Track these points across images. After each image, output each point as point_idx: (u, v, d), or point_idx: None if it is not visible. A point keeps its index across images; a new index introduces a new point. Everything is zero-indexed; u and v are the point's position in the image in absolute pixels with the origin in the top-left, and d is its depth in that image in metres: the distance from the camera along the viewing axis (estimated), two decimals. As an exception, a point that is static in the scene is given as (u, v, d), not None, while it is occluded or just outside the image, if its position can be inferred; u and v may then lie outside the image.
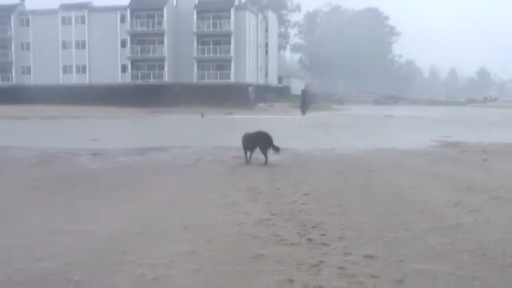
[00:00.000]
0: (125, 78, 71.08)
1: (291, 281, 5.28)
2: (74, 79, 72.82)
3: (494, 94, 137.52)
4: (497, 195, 9.83)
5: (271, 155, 14.60)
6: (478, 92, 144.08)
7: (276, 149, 14.47)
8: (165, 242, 6.69)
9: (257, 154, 14.82)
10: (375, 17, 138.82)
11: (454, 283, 5.24)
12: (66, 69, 73.22)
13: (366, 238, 6.88)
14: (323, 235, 7.02)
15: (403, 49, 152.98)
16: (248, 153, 14.68)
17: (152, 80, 70.49)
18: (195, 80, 70.45)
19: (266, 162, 14.29)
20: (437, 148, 19.47)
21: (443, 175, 12.54)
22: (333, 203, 9.14)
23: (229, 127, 32.76)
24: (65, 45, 73.07)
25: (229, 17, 70.90)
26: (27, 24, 74.73)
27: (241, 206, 8.90)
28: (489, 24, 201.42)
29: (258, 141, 14.53)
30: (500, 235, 7.03)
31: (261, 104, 71.57)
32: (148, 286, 5.16)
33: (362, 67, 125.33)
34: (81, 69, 73.01)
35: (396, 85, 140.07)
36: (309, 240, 6.79)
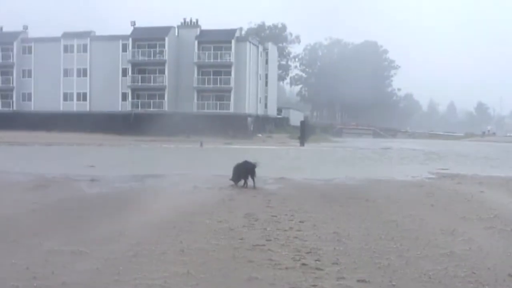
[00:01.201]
0: (125, 107, 71.43)
1: (284, 302, 5.34)
2: (75, 106, 73.15)
3: (492, 129, 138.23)
4: (491, 225, 9.92)
5: (270, 185, 14.75)
6: (476, 126, 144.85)
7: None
8: (161, 264, 6.74)
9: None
10: (374, 50, 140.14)
11: (445, 307, 5.30)
12: (67, 97, 73.61)
13: (360, 264, 6.94)
14: (317, 260, 7.08)
15: (402, 82, 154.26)
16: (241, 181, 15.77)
17: (152, 109, 70.79)
18: (195, 109, 70.77)
19: (254, 186, 15.53)
20: (434, 180, 19.54)
21: (439, 205, 12.62)
22: (329, 230, 9.20)
23: (227, 157, 32.84)
24: (66, 73, 73.57)
25: (230, 48, 71.58)
26: (30, 52, 75.34)
27: (237, 232, 8.96)
28: (487, 58, 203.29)
29: (248, 169, 15.80)
30: (492, 263, 7.09)
31: (260, 134, 71.80)
32: (142, 305, 5.20)
33: (361, 99, 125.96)
34: (82, 97, 73.41)
35: (395, 118, 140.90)
36: (304, 264, 6.85)
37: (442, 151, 47.23)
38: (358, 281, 6.11)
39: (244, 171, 15.81)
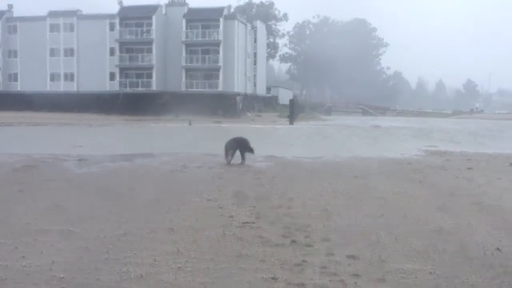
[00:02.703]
0: (113, 86, 70.88)
1: (274, 278, 5.35)
2: (62, 86, 72.51)
3: (480, 106, 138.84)
4: (479, 200, 10.00)
5: (259, 163, 14.74)
6: (465, 104, 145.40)
7: (252, 151, 16.10)
8: (150, 243, 6.73)
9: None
10: (363, 28, 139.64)
11: (434, 281, 5.34)
12: (54, 77, 72.91)
13: (349, 240, 6.96)
14: (307, 237, 7.09)
15: (391, 61, 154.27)
16: (230, 156, 15.75)
17: (140, 88, 70.32)
18: (183, 88, 70.42)
19: (243, 163, 15.74)
20: (423, 157, 19.63)
21: (428, 182, 12.68)
22: (318, 207, 9.22)
23: (216, 136, 32.80)
24: (53, 53, 72.78)
25: (218, 26, 71.04)
26: (15, 31, 74.36)
27: (227, 210, 8.96)
28: (476, 36, 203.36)
29: (240, 145, 16.08)
30: (480, 237, 7.15)
31: (249, 113, 71.71)
32: (132, 283, 5.19)
33: (351, 78, 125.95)
34: (69, 77, 72.76)
35: (384, 96, 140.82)
36: (293, 241, 6.86)
37: (430, 129, 47.44)
38: (348, 257, 6.14)
39: (237, 146, 15.99)
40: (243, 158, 15.86)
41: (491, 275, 5.55)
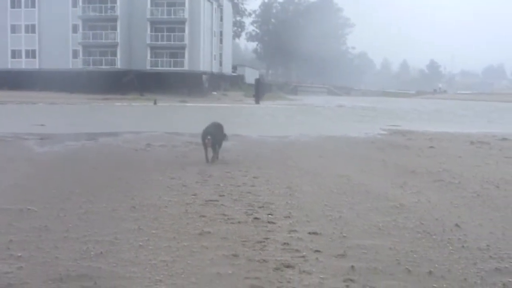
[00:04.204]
0: (76, 64, 69.46)
1: (235, 255, 5.35)
2: (24, 64, 70.76)
3: (443, 87, 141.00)
4: (440, 178, 10.18)
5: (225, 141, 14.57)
6: (428, 84, 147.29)
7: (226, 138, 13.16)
8: (111, 221, 6.65)
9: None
10: (329, 8, 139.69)
11: (393, 256, 5.41)
12: (15, 54, 71.00)
13: (311, 217, 7.01)
14: (270, 214, 7.11)
15: (357, 41, 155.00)
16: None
17: (104, 67, 69.16)
18: (148, 67, 69.53)
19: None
20: (386, 136, 19.86)
21: (390, 160, 12.83)
22: (282, 185, 9.25)
23: (182, 115, 32.59)
24: (14, 29, 70.76)
25: (183, 4, 70.06)
26: (-27, 7, 72.19)
27: (190, 188, 8.92)
28: (440, 17, 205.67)
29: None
30: (440, 214, 7.28)
31: (215, 92, 71.33)
32: (91, 261, 5.12)
33: (316, 57, 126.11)
34: (31, 54, 70.96)
35: (349, 76, 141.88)
36: (256, 218, 6.87)
37: (393, 109, 48.01)
38: (310, 233, 6.17)
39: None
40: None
41: (449, 251, 5.65)
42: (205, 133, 12.04)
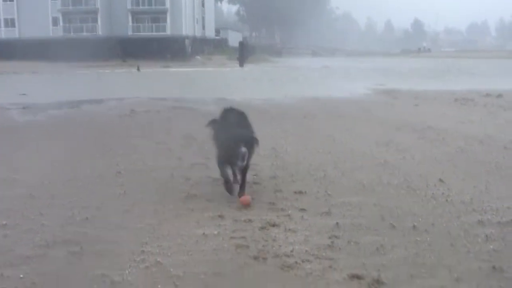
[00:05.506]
0: (57, 32, 68.36)
1: (221, 216, 5.37)
2: (3, 33, 69.48)
3: (427, 45, 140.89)
4: (424, 135, 10.24)
5: (209, 105, 14.56)
6: (413, 43, 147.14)
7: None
8: (97, 187, 6.63)
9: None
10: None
11: (378, 212, 5.46)
12: (-7, 23, 69.79)
13: (297, 177, 7.03)
14: (255, 175, 7.12)
15: (340, 1, 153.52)
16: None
17: (85, 34, 68.14)
18: (130, 33, 68.61)
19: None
20: (371, 96, 19.88)
21: (375, 119, 12.88)
22: (267, 146, 9.22)
23: (165, 80, 32.30)
24: (-9, -3, 69.42)
25: (164, -33, 68.90)
26: None
27: (175, 152, 8.90)
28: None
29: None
30: (424, 170, 7.34)
31: (199, 57, 70.68)
32: (77, 227, 5.11)
33: (300, 19, 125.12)
34: (10, 23, 69.65)
35: (333, 37, 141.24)
36: (242, 180, 6.86)
37: (378, 68, 47.98)
38: (295, 192, 6.21)
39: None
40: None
41: (433, 205, 5.71)
42: (237, 141, 5.88)
